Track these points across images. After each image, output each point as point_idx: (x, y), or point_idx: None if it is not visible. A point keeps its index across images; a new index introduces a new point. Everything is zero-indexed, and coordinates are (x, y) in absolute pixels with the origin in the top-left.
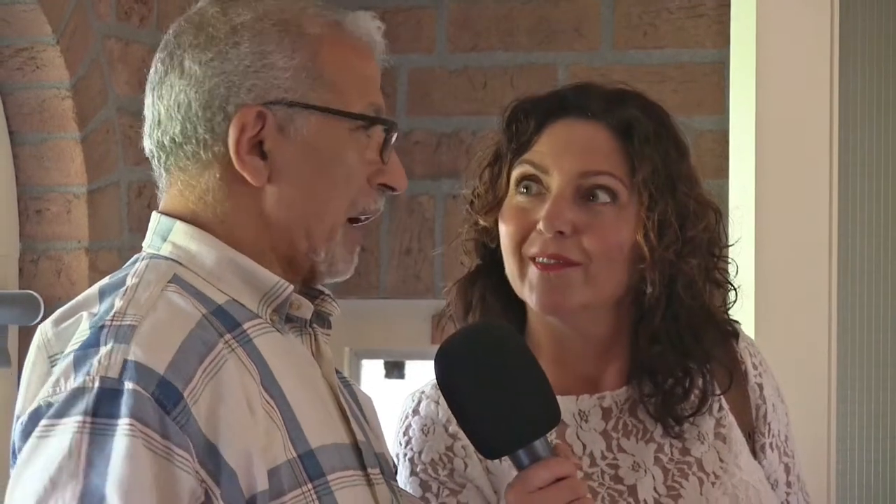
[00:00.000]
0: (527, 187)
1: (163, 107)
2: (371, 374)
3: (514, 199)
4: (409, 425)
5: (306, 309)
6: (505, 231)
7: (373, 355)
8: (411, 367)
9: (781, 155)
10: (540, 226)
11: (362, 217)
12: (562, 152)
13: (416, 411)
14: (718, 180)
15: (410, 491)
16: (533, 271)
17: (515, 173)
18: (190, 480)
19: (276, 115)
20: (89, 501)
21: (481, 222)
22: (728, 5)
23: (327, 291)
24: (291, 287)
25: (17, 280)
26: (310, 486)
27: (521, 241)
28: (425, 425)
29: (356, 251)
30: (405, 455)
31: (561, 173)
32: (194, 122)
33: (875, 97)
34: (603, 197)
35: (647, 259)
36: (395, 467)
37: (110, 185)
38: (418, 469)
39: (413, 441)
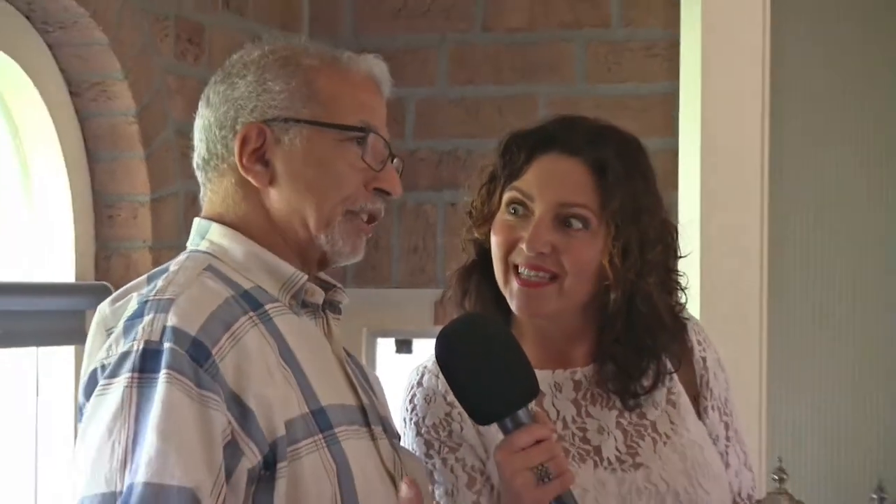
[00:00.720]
0: (514, 209)
1: (196, 132)
2: (384, 350)
3: (504, 216)
4: (414, 395)
5: (319, 295)
6: (495, 241)
7: (386, 334)
8: (418, 344)
9: (722, 170)
10: (523, 246)
11: (364, 214)
12: (545, 184)
13: (420, 383)
14: (669, 191)
15: (416, 448)
16: (514, 284)
17: (506, 196)
18: (221, 420)
19: (273, 130)
20: (139, 439)
21: (476, 234)
22: (678, 46)
23: (339, 285)
24: (306, 277)
25: (94, 273)
26: (320, 435)
27: (507, 252)
28: (427, 395)
29: (361, 238)
30: (411, 419)
31: (543, 202)
32: (214, 141)
33: (803, 124)
34: (576, 224)
35: (611, 279)
36: (398, 434)
37: (170, 194)
38: (423, 431)
39: (418, 408)
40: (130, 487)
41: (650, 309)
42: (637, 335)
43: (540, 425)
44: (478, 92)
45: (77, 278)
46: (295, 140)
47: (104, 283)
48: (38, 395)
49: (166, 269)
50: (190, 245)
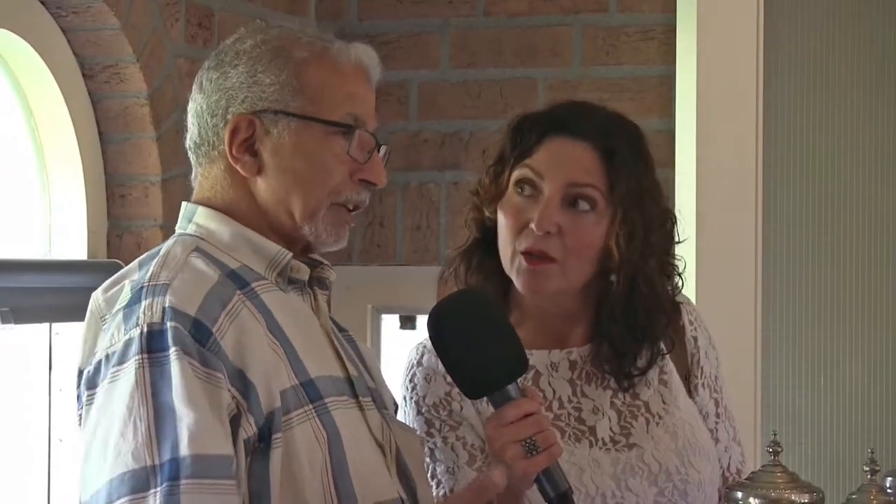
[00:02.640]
0: (522, 188)
1: (189, 116)
2: (389, 326)
3: (513, 197)
4: (415, 374)
5: (304, 272)
6: (504, 223)
7: (390, 311)
8: (421, 320)
9: (717, 150)
10: (532, 225)
11: (349, 205)
12: (556, 163)
13: (419, 363)
14: (665, 169)
15: (416, 427)
16: (521, 262)
17: (516, 174)
18: (226, 396)
19: (263, 121)
20: (163, 413)
21: (486, 212)
22: (674, 30)
23: (326, 262)
24: (290, 254)
25: (106, 251)
26: (310, 406)
27: (515, 235)
28: (427, 374)
29: (345, 228)
30: (411, 398)
31: (553, 181)
32: (206, 128)
33: (792, 104)
34: (584, 205)
35: (616, 260)
36: (396, 404)
37: (179, 175)
38: (423, 410)
39: (418, 387)
40: (176, 461)
41: (651, 291)
42: (636, 317)
43: (528, 399)
44: (479, 75)
45: (89, 256)
46: (283, 133)
47: (116, 260)
48: (50, 371)
49: (156, 254)
50: (178, 229)
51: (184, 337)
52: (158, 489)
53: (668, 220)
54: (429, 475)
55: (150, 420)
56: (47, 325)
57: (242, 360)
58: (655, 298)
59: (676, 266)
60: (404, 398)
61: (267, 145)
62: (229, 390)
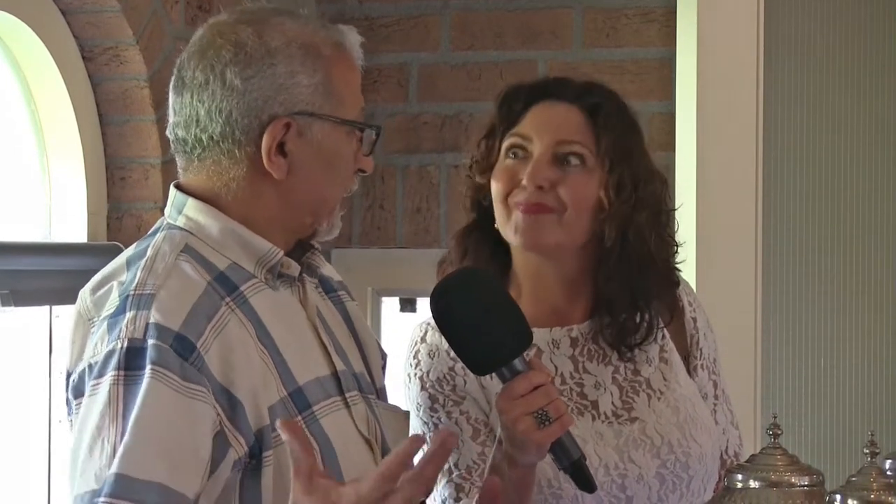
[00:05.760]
0: (514, 153)
1: (203, 109)
2: (389, 308)
3: (504, 162)
4: (419, 350)
5: (294, 268)
6: (496, 186)
7: (390, 293)
8: (421, 302)
9: (717, 133)
10: (524, 181)
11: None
12: (543, 125)
13: (423, 339)
14: (667, 152)
15: (420, 402)
16: (517, 215)
17: (506, 143)
18: (209, 411)
19: (298, 123)
20: (124, 437)
21: (478, 179)
22: (675, 13)
23: (317, 246)
24: (281, 252)
25: (106, 233)
26: (299, 417)
27: (508, 193)
28: (431, 351)
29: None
30: (416, 374)
31: (542, 141)
32: (233, 126)
33: (792, 87)
34: (574, 160)
35: (607, 210)
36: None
37: None
38: (427, 385)
39: (422, 363)
40: (106, 478)
41: (641, 244)
42: (629, 271)
43: (536, 371)
44: (479, 57)
45: (89, 238)
46: (317, 134)
47: (116, 243)
48: (50, 353)
49: (144, 252)
50: (167, 218)
51: (164, 353)
52: None
53: (656, 177)
54: None
55: (115, 441)
56: (47, 307)
57: (228, 377)
58: (647, 252)
59: (669, 226)
60: (408, 375)
61: (299, 147)
62: (214, 406)
